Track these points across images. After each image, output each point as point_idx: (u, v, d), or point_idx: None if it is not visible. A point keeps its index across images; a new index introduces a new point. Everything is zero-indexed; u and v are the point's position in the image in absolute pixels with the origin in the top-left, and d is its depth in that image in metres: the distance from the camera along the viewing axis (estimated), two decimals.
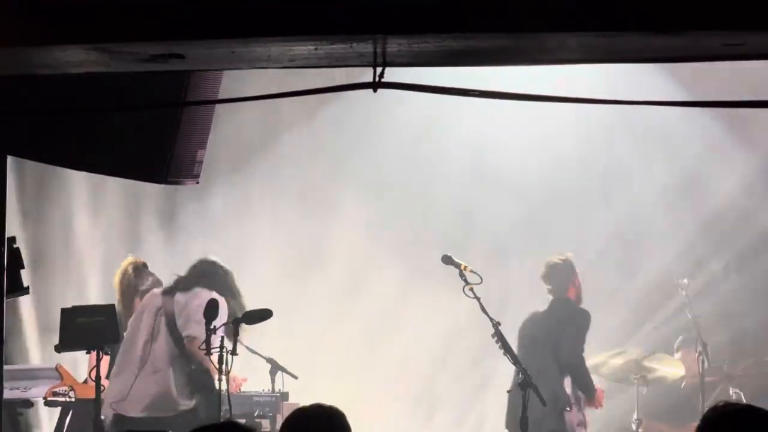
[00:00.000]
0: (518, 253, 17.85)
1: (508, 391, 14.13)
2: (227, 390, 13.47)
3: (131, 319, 14.58)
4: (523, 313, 15.84)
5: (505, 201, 17.79)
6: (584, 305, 16.22)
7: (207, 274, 14.74)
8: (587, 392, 15.59)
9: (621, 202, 17.82)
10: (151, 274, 14.94)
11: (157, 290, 14.72)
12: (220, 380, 13.43)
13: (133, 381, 14.21)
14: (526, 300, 16.46)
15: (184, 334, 14.15)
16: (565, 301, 15.76)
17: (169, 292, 14.53)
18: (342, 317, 17.71)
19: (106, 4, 8.89)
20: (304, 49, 9.44)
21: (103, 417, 13.67)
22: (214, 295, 14.21)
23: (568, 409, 15.53)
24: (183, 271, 14.76)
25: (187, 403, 14.31)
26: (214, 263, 15.02)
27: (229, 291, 14.54)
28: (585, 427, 15.77)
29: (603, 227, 17.77)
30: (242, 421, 13.60)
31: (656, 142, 17.07)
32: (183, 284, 14.64)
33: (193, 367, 14.08)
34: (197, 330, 14.02)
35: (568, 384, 15.75)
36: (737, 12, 8.72)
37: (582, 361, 15.66)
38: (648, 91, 14.88)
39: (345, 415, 8.24)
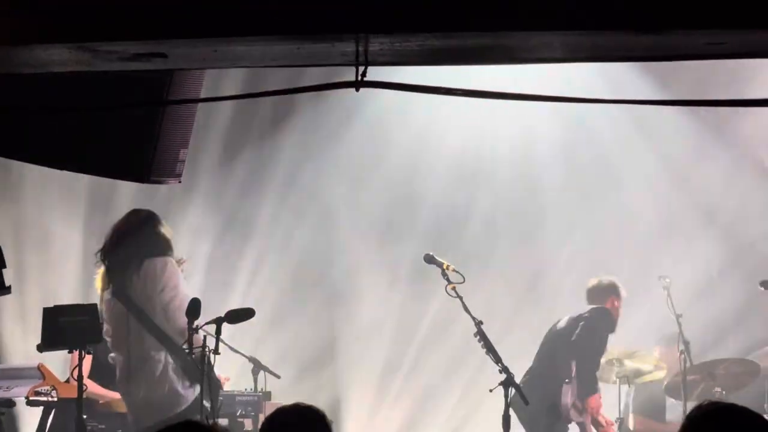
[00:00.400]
0: (504, 251, 17.79)
1: (490, 390, 14.09)
2: (210, 389, 13.49)
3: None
4: (507, 310, 15.79)
5: (491, 199, 17.84)
6: (568, 301, 16.35)
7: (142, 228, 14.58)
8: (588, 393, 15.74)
9: (605, 200, 17.80)
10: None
11: None
12: (202, 380, 13.44)
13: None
14: (510, 298, 16.43)
15: (173, 323, 14.12)
16: (603, 310, 15.86)
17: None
18: (326, 317, 17.69)
19: (89, 4, 8.90)
20: (286, 48, 9.45)
21: (85, 416, 13.59)
22: (166, 261, 14.31)
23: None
24: None
25: (188, 394, 14.24)
26: (137, 210, 14.92)
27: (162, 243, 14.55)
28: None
29: (588, 225, 17.75)
30: (225, 421, 13.63)
31: (640, 136, 17.00)
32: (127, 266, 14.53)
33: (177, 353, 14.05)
34: (178, 314, 14.12)
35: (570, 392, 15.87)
36: (719, 11, 8.74)
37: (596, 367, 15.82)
38: (630, 87, 14.88)
39: (325, 415, 8.16)
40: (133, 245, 14.24)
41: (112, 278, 14.20)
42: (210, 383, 13.47)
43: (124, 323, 14.12)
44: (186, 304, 13.52)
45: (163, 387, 13.98)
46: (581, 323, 15.74)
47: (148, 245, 14.22)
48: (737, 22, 8.88)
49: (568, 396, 15.91)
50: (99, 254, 14.32)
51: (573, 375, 15.93)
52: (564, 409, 15.87)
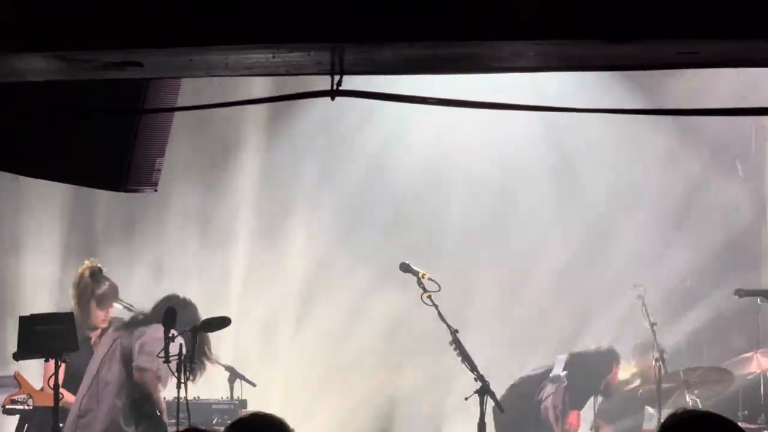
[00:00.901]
0: (479, 258, 17.85)
1: (465, 399, 14.17)
2: (185, 398, 13.59)
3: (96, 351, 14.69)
4: (483, 318, 15.75)
5: (464, 207, 17.87)
6: (537, 308, 16.52)
7: (169, 311, 14.64)
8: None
9: (575, 207, 17.88)
10: (107, 279, 14.99)
11: (117, 323, 14.82)
12: (179, 387, 13.52)
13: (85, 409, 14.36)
14: (486, 305, 16.50)
15: (134, 364, 14.18)
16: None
17: (129, 326, 14.58)
18: (302, 325, 17.76)
19: (64, 12, 8.90)
20: (261, 56, 9.47)
21: (61, 425, 13.66)
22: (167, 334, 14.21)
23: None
24: (143, 298, 14.99)
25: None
26: (183, 300, 14.93)
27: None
28: None
29: (559, 232, 17.84)
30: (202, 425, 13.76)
31: (611, 143, 17.07)
32: (144, 320, 14.63)
33: (137, 396, 14.10)
34: (147, 362, 14.12)
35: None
36: (691, 21, 8.79)
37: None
38: (603, 94, 14.96)
39: (284, 421, 7.96)
40: None
41: None
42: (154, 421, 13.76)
43: None
44: None
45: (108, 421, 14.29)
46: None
47: None
48: (710, 31, 8.95)
49: (549, 393, 16.05)
50: None
51: (559, 374, 16.10)
52: (544, 407, 15.99)
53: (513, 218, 18.07)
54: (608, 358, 16.14)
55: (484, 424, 13.82)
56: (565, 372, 16.15)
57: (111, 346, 14.40)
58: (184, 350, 13.62)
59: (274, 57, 9.48)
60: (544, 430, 16.06)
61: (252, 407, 14.63)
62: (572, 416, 16.17)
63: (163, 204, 16.21)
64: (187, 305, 14.80)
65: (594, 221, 17.77)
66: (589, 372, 16.09)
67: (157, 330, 14.24)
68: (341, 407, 17.26)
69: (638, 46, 9.29)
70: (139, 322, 14.60)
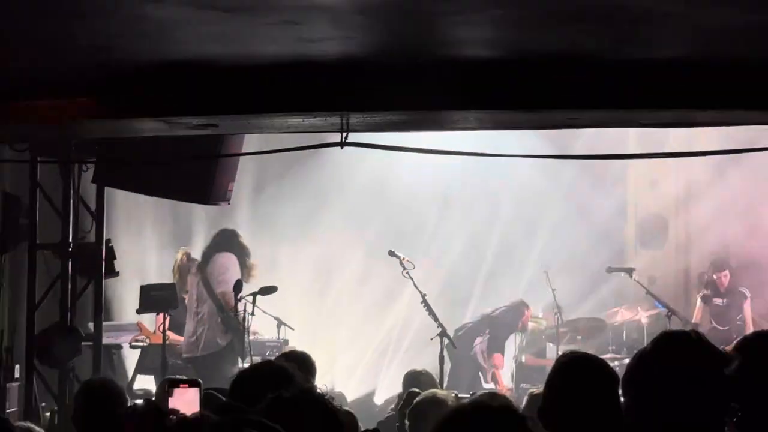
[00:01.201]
0: (441, 250, 17.49)
1: (431, 339, 14.13)
2: (248, 338, 13.66)
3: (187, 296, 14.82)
4: (442, 288, 15.76)
5: (432, 215, 17.38)
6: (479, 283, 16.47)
7: (222, 239, 14.75)
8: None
9: (504, 211, 17.58)
10: (195, 260, 15.03)
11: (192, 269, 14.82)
12: (244, 331, 13.65)
13: (193, 334, 14.40)
14: (444, 280, 16.45)
15: (217, 291, 14.20)
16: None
17: (199, 266, 14.63)
18: (323, 291, 17.54)
19: (165, 92, 8.96)
20: (295, 120, 9.60)
21: (168, 357, 13.77)
22: (229, 256, 14.38)
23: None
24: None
25: (223, 342, 14.25)
26: (225, 229, 15.02)
27: (238, 247, 14.57)
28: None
29: (495, 231, 17.59)
30: (258, 358, 13.69)
31: (525, 172, 16.66)
32: (207, 254, 14.70)
33: (224, 315, 14.11)
34: (225, 286, 14.11)
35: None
36: (574, 96, 8.87)
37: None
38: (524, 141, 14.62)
39: (309, 356, 7.91)
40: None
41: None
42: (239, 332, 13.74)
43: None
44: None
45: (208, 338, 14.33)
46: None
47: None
48: (586, 104, 9.03)
49: (478, 342, 16.05)
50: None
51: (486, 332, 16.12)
52: (474, 353, 16.00)
53: (466, 221, 17.46)
54: (520, 306, 16.10)
55: (443, 357, 13.88)
56: (488, 330, 16.14)
57: (197, 287, 14.46)
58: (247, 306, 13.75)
59: (303, 120, 9.55)
60: (477, 367, 16.00)
61: (291, 345, 14.57)
62: (497, 358, 16.16)
63: (232, 211, 15.98)
64: (236, 235, 14.86)
65: (516, 220, 17.47)
66: (508, 319, 16.06)
67: (219, 257, 14.45)
68: (349, 343, 17.04)
69: (542, 113, 9.34)
70: (205, 259, 14.63)
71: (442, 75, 8.53)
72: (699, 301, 15.91)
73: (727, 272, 15.79)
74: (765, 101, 8.79)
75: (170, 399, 4.29)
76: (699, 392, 4.09)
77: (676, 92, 8.70)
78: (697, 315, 15.72)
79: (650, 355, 4.23)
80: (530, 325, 16.52)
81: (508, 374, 16.18)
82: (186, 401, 4.30)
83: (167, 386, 4.41)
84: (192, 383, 4.45)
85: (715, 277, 15.77)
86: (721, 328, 15.00)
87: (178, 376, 5.11)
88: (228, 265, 14.37)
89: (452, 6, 7.14)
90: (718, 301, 15.73)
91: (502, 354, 16.30)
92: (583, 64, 8.39)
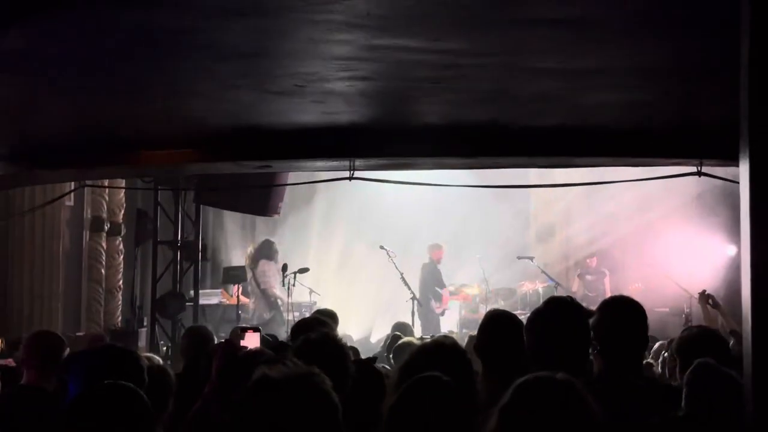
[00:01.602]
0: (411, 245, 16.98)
1: (406, 301, 14.03)
2: (290, 300, 13.62)
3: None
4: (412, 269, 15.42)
5: (419, 223, 16.76)
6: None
7: (263, 249, 14.51)
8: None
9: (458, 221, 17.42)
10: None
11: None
12: (288, 295, 13.62)
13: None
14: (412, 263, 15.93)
15: (262, 287, 14.09)
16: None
17: (251, 264, 14.48)
18: (338, 273, 17.25)
19: (238, 145, 8.93)
20: (320, 163, 9.54)
21: (240, 312, 13.64)
22: (269, 263, 14.17)
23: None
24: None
25: (267, 316, 14.11)
26: (266, 241, 14.70)
27: (273, 252, 14.37)
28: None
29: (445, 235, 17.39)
30: (297, 313, 13.64)
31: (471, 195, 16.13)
32: (254, 257, 14.45)
33: (267, 299, 14.04)
34: (267, 284, 14.00)
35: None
36: (496, 147, 8.78)
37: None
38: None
39: (335, 313, 7.84)
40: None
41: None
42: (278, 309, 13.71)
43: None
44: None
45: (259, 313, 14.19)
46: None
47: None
48: (504, 152, 8.96)
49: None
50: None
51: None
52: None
53: (430, 223, 16.80)
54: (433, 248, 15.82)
55: (414, 312, 13.87)
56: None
57: (254, 276, 14.25)
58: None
59: (325, 163, 9.45)
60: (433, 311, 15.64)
61: (319, 305, 14.44)
62: (444, 297, 15.84)
63: (280, 220, 15.86)
64: (272, 243, 14.58)
65: (458, 223, 17.13)
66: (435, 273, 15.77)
67: (263, 264, 14.23)
68: (355, 304, 16.61)
69: (476, 159, 9.30)
70: (254, 261, 14.35)
71: (416, 134, 8.42)
72: (577, 277, 15.91)
73: (594, 258, 15.81)
74: (613, 151, 8.82)
75: (242, 340, 4.29)
76: (572, 334, 4.08)
77: (561, 145, 8.62)
78: (574, 286, 15.68)
79: (542, 311, 4.25)
80: (467, 290, 16.25)
81: (456, 324, 15.93)
82: (251, 341, 4.30)
83: (240, 331, 4.41)
84: (255, 329, 4.46)
85: (587, 261, 15.83)
86: (591, 294, 14.92)
87: (246, 325, 5.13)
88: (267, 269, 14.27)
89: (419, 92, 7.16)
90: (588, 277, 15.74)
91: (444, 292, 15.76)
92: (502, 127, 8.29)
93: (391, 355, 7.95)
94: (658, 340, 7.75)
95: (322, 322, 6.12)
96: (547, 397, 2.76)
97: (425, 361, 3.83)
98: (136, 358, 4.24)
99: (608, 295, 14.22)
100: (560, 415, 2.72)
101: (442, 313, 15.77)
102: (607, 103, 7.39)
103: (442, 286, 15.75)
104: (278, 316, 13.98)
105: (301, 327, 5.92)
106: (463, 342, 5.85)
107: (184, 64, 6.15)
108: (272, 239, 14.96)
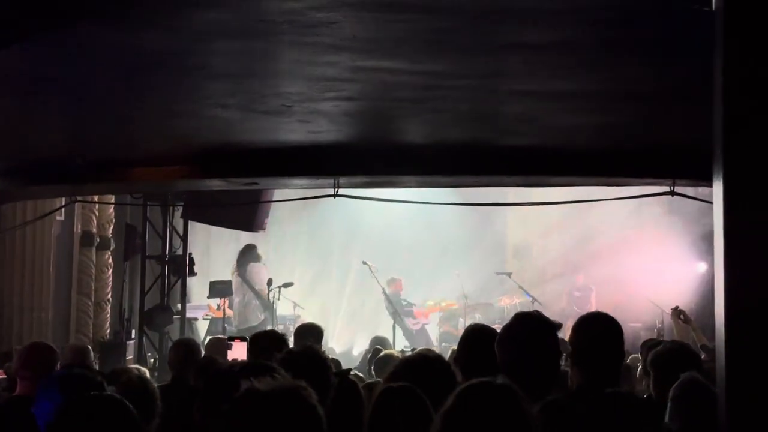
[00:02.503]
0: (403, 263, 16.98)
1: (387, 315, 14.01)
2: (274, 315, 13.56)
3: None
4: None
5: (400, 240, 16.72)
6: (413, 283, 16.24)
7: (249, 254, 14.10)
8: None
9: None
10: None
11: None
12: (274, 310, 13.54)
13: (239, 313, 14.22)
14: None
15: (256, 288, 13.88)
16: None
17: (239, 268, 14.13)
18: (320, 285, 17.27)
19: (226, 162, 8.92)
20: (303, 181, 9.52)
21: (226, 325, 13.62)
22: (260, 266, 13.91)
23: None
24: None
25: (262, 316, 13.94)
26: (249, 245, 14.27)
27: (260, 257, 14.08)
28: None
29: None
30: (281, 326, 13.58)
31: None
32: (241, 261, 14.03)
33: (261, 301, 13.85)
34: (260, 285, 13.69)
35: None
36: (477, 166, 8.80)
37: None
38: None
39: (318, 326, 7.51)
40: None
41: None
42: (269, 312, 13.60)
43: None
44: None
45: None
46: None
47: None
48: (484, 171, 8.97)
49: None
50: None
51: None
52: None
53: (411, 242, 16.92)
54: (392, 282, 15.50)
55: (395, 326, 13.83)
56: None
57: (245, 279, 13.98)
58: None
59: (311, 180, 9.44)
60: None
61: (302, 320, 14.39)
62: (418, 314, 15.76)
63: (265, 235, 15.76)
64: (255, 247, 14.17)
65: (438, 241, 17.13)
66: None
67: (254, 266, 13.87)
68: (337, 318, 16.75)
69: (457, 177, 9.27)
70: (242, 264, 14.04)
71: (398, 153, 8.42)
72: (565, 294, 15.98)
73: (582, 276, 15.91)
74: (589, 171, 8.85)
75: (229, 351, 4.27)
76: (540, 348, 4.09)
77: (538, 165, 8.64)
78: (563, 302, 15.67)
79: (510, 326, 4.23)
80: (445, 304, 16.16)
81: (435, 338, 15.84)
82: (238, 351, 4.29)
83: (227, 340, 4.39)
84: (242, 339, 4.44)
85: (576, 278, 15.93)
86: (578, 310, 14.93)
87: (234, 335, 5.09)
88: (259, 271, 14.06)
89: (401, 113, 7.17)
90: (576, 293, 15.81)
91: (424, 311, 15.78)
92: (481, 147, 8.32)
93: (372, 368, 7.90)
94: (631, 355, 7.76)
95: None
96: (486, 401, 2.81)
97: (410, 373, 3.82)
98: (102, 385, 4.09)
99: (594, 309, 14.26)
100: (498, 418, 2.77)
101: (421, 329, 15.64)
102: (583, 124, 7.42)
103: (407, 313, 15.53)
104: (269, 319, 13.90)
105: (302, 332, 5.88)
106: (444, 355, 5.81)
107: (174, 84, 6.14)
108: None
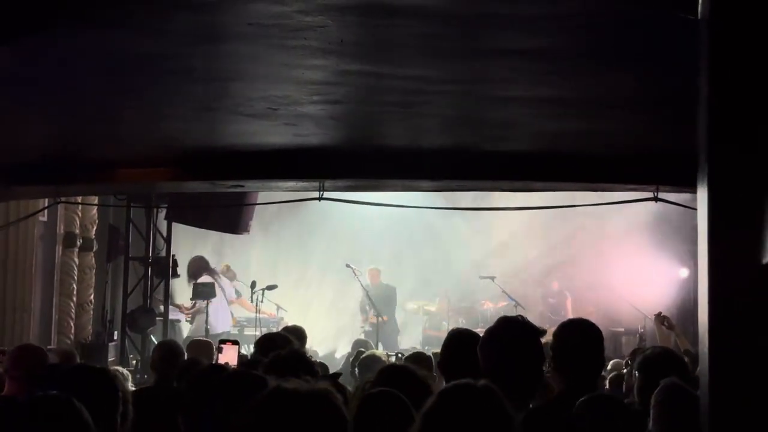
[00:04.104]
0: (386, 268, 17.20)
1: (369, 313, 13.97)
2: (258, 317, 13.51)
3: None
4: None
5: (382, 245, 16.56)
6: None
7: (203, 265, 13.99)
8: None
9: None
10: (232, 270, 14.80)
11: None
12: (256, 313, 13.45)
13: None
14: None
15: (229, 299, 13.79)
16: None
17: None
18: (306, 288, 17.14)
19: (212, 165, 8.90)
20: (288, 183, 9.50)
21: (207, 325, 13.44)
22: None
23: None
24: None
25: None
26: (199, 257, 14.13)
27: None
28: None
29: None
30: (264, 329, 13.48)
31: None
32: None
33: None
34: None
35: None
36: (462, 171, 8.82)
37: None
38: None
39: (302, 328, 7.52)
40: None
41: None
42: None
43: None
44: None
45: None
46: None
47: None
48: (472, 176, 8.99)
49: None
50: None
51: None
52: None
53: (393, 247, 16.67)
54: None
55: (378, 329, 13.81)
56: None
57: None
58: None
59: (296, 183, 9.44)
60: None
61: (286, 322, 14.34)
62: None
63: (250, 238, 15.70)
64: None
65: (420, 247, 17.05)
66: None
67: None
68: (320, 321, 16.47)
69: (441, 182, 9.25)
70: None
71: (383, 156, 8.41)
72: (540, 299, 15.97)
73: (556, 282, 15.90)
74: (573, 177, 8.89)
75: (220, 354, 4.26)
76: (523, 353, 4.09)
77: (522, 170, 8.65)
78: (540, 308, 15.65)
79: (494, 330, 4.25)
80: (429, 308, 16.13)
81: (419, 341, 15.78)
82: (229, 355, 4.28)
83: (219, 343, 4.38)
84: (234, 342, 4.43)
85: (551, 284, 15.91)
86: (553, 317, 14.93)
87: (226, 338, 5.07)
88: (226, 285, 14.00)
89: (387, 117, 7.18)
90: (551, 300, 15.80)
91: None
92: (466, 152, 8.33)
93: (356, 370, 7.90)
94: (612, 359, 7.80)
95: (285, 337, 6.01)
96: (466, 402, 2.81)
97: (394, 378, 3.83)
98: (111, 378, 4.10)
99: (569, 316, 14.30)
100: (478, 419, 2.77)
101: None
102: (567, 130, 7.45)
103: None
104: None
105: (268, 341, 5.86)
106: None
107: (161, 86, 6.13)
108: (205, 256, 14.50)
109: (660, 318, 7.96)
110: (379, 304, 14.76)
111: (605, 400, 3.84)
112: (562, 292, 15.74)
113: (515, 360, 4.04)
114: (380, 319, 14.26)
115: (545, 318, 14.54)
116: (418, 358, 4.54)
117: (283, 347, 4.73)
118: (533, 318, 5.41)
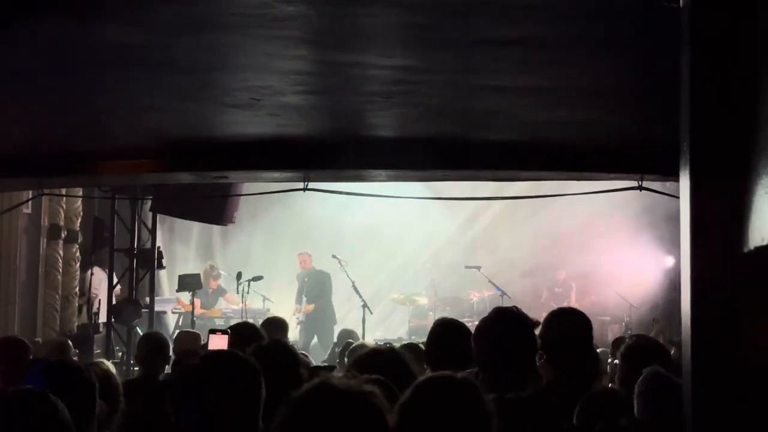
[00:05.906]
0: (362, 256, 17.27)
1: (361, 306, 13.96)
2: (244, 309, 13.48)
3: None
4: (362, 276, 15.35)
5: (368, 236, 16.79)
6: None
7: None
8: None
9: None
10: (216, 268, 14.85)
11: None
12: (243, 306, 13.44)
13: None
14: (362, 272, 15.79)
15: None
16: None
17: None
18: (289, 281, 17.15)
19: (196, 155, 8.88)
20: (273, 174, 9.49)
21: (195, 319, 13.46)
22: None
23: None
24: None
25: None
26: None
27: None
28: None
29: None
30: (250, 320, 13.46)
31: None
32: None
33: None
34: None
35: None
36: (446, 160, 8.80)
37: None
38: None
39: (285, 320, 7.66)
40: None
41: None
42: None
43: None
44: None
45: None
46: None
47: None
48: (455, 165, 8.99)
49: None
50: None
51: None
52: None
53: (380, 237, 16.87)
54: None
55: (365, 318, 13.81)
56: None
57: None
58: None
59: (281, 174, 9.42)
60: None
61: (270, 313, 14.33)
62: None
63: (234, 228, 15.69)
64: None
65: (409, 240, 17.23)
66: None
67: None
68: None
69: (426, 172, 9.28)
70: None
71: (368, 147, 8.40)
72: (545, 290, 16.01)
73: (563, 272, 15.96)
74: (558, 166, 8.89)
75: (209, 343, 4.24)
76: (518, 343, 4.10)
77: (508, 160, 8.65)
78: (545, 298, 15.68)
79: (489, 321, 4.26)
80: (415, 298, 16.12)
81: (405, 332, 15.84)
82: (218, 343, 4.25)
83: (209, 333, 4.36)
84: (224, 332, 4.40)
85: (557, 274, 15.98)
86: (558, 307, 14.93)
87: (216, 328, 5.03)
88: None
89: (371, 106, 7.16)
90: (557, 290, 15.86)
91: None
92: (451, 142, 8.31)
93: (345, 361, 7.89)
94: (599, 347, 7.81)
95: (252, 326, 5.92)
96: (444, 395, 2.81)
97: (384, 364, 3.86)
98: (87, 376, 4.04)
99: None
100: (455, 412, 2.76)
101: None
102: (552, 119, 7.45)
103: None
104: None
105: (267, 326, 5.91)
106: None
107: (143, 77, 6.11)
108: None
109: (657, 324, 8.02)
110: (311, 291, 14.68)
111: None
112: (568, 282, 15.79)
113: (510, 351, 4.06)
114: (366, 309, 14.24)
115: (549, 308, 14.53)
116: (412, 348, 4.55)
117: (253, 338, 4.70)
118: (537, 307, 5.47)
